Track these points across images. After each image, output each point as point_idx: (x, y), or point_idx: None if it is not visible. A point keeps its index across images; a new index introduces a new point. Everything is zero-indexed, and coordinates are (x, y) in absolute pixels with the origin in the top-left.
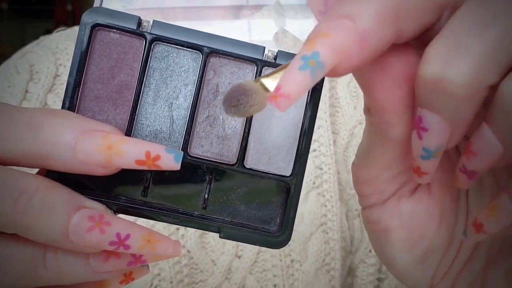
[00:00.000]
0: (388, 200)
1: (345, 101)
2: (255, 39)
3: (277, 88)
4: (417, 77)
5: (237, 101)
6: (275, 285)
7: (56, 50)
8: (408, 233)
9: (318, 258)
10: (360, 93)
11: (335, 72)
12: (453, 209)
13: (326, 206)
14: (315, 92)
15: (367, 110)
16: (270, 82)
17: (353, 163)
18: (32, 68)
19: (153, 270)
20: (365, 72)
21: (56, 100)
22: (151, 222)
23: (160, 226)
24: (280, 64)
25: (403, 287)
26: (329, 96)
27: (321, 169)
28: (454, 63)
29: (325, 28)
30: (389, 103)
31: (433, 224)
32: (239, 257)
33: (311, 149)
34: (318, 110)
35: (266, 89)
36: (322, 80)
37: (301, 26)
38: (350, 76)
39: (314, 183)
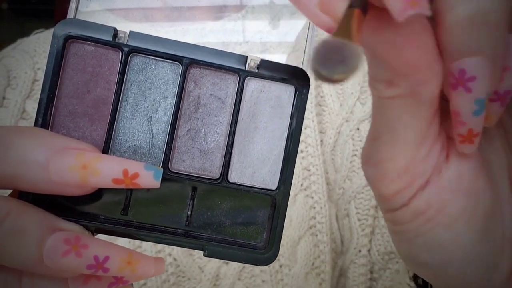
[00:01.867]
0: (430, 179)
1: (330, 99)
2: (248, 40)
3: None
4: (447, 27)
5: (342, 56)
6: None
7: (34, 53)
8: (466, 198)
9: (307, 262)
10: (346, 90)
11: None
12: (487, 161)
13: (314, 208)
14: (300, 102)
15: (385, 85)
16: (340, 34)
17: (372, 166)
18: (9, 73)
19: None
20: (387, 36)
21: (35, 106)
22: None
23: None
24: (265, 74)
25: (398, 287)
26: (315, 95)
27: (309, 170)
28: None
29: None
30: (421, 57)
31: (481, 178)
32: (227, 263)
33: (298, 150)
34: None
35: (348, 39)
36: (308, 88)
37: (295, 27)
38: None
39: (302, 185)
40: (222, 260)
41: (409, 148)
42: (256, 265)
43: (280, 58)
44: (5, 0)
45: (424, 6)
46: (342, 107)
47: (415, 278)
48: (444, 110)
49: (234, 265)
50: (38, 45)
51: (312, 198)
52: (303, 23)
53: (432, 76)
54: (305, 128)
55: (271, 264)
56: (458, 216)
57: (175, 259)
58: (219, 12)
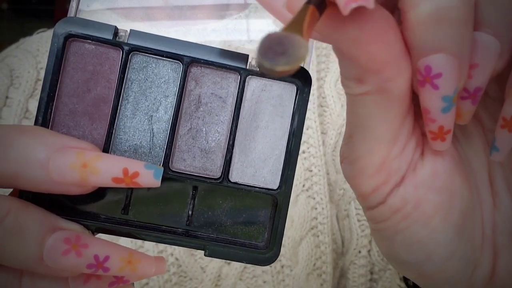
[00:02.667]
0: (405, 176)
1: (332, 100)
2: (252, 40)
3: None
4: (410, 26)
5: (282, 48)
6: None
7: (37, 53)
8: (440, 195)
9: (309, 262)
10: None
11: None
12: (464, 160)
13: (316, 208)
14: (302, 101)
15: (355, 81)
16: (291, 28)
17: (348, 163)
18: (12, 72)
19: None
20: (352, 33)
21: None
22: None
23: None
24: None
25: None
26: (317, 96)
27: (311, 171)
28: None
29: None
30: (386, 53)
31: (456, 176)
32: (229, 263)
33: (300, 151)
34: (307, 111)
35: (297, 33)
36: (309, 87)
37: None
38: (337, 74)
39: (303, 185)
40: (224, 260)
41: (383, 145)
42: (257, 265)
43: None
44: (5, 0)
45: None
46: (344, 108)
47: (405, 278)
48: (418, 107)
49: (236, 265)
50: (41, 45)
51: (314, 199)
52: None
53: (400, 72)
54: (307, 129)
55: (273, 265)
56: (434, 213)
57: (177, 259)
58: (222, 11)
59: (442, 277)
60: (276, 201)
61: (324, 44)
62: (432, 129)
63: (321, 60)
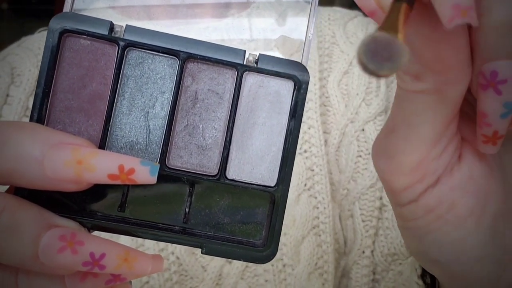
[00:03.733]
0: (441, 177)
1: (335, 100)
2: (253, 39)
3: (455, 6)
4: (484, 27)
5: (388, 53)
6: None
7: (38, 51)
8: (475, 198)
9: (310, 261)
10: (351, 90)
11: None
12: (498, 164)
13: (318, 208)
14: (299, 97)
15: (413, 79)
16: (389, 30)
17: (384, 158)
18: (13, 70)
19: (142, 277)
20: (427, 30)
21: None
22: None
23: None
24: (264, 69)
25: None
26: (320, 95)
27: (313, 170)
28: None
29: None
30: (455, 57)
31: (491, 180)
32: (230, 262)
33: (301, 150)
34: (309, 110)
35: (395, 33)
36: (307, 84)
37: (300, 25)
38: (340, 73)
39: (305, 185)
40: (225, 259)
41: (424, 145)
42: (255, 262)
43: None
44: (5, 0)
45: (472, 17)
46: (347, 108)
47: (423, 277)
48: (461, 110)
49: (237, 264)
50: (42, 43)
51: (316, 198)
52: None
53: (462, 77)
54: (309, 128)
55: (275, 264)
56: (467, 216)
57: (178, 258)
58: (223, 10)
59: (469, 278)
60: (274, 198)
61: (327, 44)
62: (486, 133)
63: (324, 60)
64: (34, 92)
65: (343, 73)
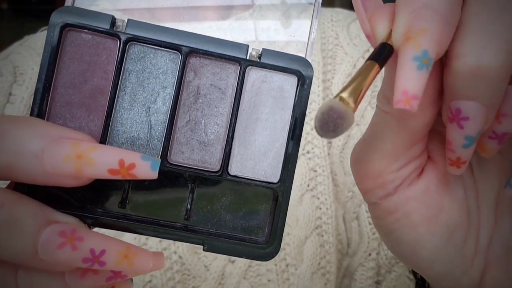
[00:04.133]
0: (399, 187)
1: None
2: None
3: (404, 92)
4: (452, 72)
5: (334, 125)
6: None
7: (41, 50)
8: (428, 209)
9: (313, 261)
10: None
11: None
12: (460, 183)
13: (320, 208)
14: (303, 92)
15: (385, 100)
16: (350, 97)
17: (355, 161)
18: (16, 69)
19: (144, 276)
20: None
21: None
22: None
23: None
24: (267, 64)
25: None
26: (323, 97)
27: (315, 171)
28: (487, 50)
29: (418, 24)
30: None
31: (446, 196)
32: (233, 261)
33: (304, 151)
34: (312, 112)
35: (347, 104)
36: (311, 79)
37: (303, 26)
38: (345, 75)
39: (308, 185)
40: (227, 259)
41: (385, 158)
42: (257, 260)
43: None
44: (5, 0)
45: (413, 106)
46: None
47: (414, 271)
48: (433, 130)
49: (240, 264)
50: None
51: (318, 198)
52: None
53: (422, 114)
54: (312, 129)
55: (277, 263)
56: (420, 223)
57: (180, 257)
58: (226, 11)
59: (430, 274)
60: (277, 195)
61: (330, 46)
62: (451, 157)
63: (327, 61)
64: None
65: (347, 75)
